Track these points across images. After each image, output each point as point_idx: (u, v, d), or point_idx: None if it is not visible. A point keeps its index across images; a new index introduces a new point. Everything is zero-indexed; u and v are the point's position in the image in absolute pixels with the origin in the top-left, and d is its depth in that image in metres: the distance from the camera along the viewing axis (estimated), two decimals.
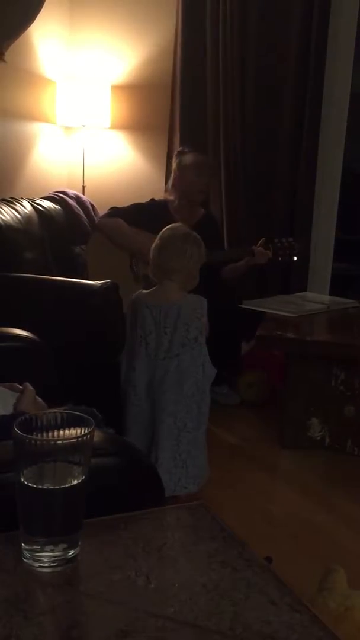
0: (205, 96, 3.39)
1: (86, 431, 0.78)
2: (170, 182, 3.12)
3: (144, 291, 2.21)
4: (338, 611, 1.42)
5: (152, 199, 3.16)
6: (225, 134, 3.34)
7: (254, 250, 2.97)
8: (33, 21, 2.82)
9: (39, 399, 1.36)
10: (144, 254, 2.82)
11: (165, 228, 2.19)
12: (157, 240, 2.17)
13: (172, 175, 3.11)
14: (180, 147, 3.17)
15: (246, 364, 3.12)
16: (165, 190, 3.18)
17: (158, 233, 2.21)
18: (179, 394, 2.11)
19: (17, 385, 1.38)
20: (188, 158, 3.04)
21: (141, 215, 2.96)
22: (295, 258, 3.06)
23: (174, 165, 3.10)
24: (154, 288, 2.18)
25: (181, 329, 2.11)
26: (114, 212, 3.05)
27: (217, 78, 3.32)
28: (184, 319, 2.12)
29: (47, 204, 3.19)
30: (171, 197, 3.08)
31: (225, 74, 3.29)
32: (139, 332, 2.13)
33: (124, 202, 3.13)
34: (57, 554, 0.77)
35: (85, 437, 0.77)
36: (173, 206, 3.04)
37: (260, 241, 3.00)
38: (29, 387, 1.35)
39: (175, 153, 3.15)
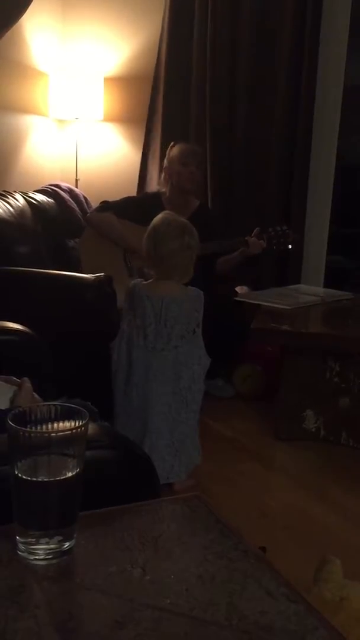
0: (192, 89, 3.37)
1: (80, 423, 0.78)
2: (162, 175, 3.12)
3: (143, 281, 2.20)
4: (334, 602, 1.42)
5: (145, 192, 3.15)
6: (217, 126, 3.33)
7: (248, 241, 2.96)
8: (23, 14, 2.81)
9: (36, 396, 1.35)
10: (136, 250, 2.81)
11: (158, 218, 2.17)
12: (150, 231, 2.15)
13: (163, 168, 3.10)
14: (172, 142, 3.17)
15: (241, 357, 3.11)
16: (158, 184, 3.17)
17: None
18: (176, 385, 2.12)
19: (14, 378, 1.38)
20: (175, 149, 3.04)
21: (133, 208, 2.95)
22: (290, 246, 3.05)
23: (165, 159, 3.09)
24: (152, 280, 2.17)
25: (182, 322, 2.12)
26: (105, 206, 3.03)
27: (206, 70, 3.30)
28: (185, 312, 2.12)
29: (40, 197, 3.17)
30: (163, 189, 3.07)
31: (215, 66, 3.28)
32: (138, 322, 2.13)
33: (117, 195, 3.12)
34: (52, 546, 0.77)
35: (79, 430, 0.77)
36: (165, 198, 3.03)
37: (254, 231, 2.99)
38: (27, 382, 1.35)
39: (168, 148, 3.14)
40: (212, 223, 3.13)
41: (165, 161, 3.07)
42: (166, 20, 3.37)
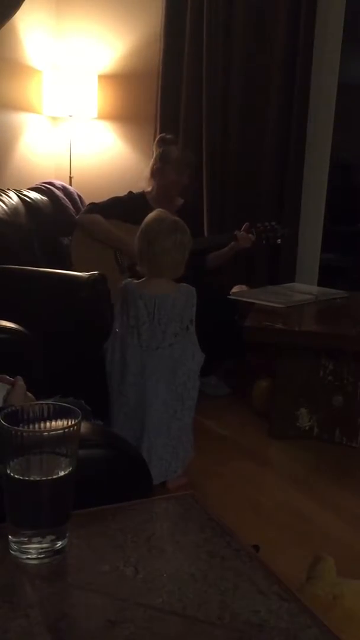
0: (187, 86, 3.36)
1: (73, 422, 0.78)
2: (149, 170, 3.07)
3: (135, 281, 2.20)
4: (326, 599, 1.43)
5: (130, 192, 3.14)
6: (210, 124, 3.32)
7: (237, 235, 2.97)
8: (17, 11, 2.80)
9: (29, 394, 1.35)
10: (125, 250, 2.81)
11: (150, 216, 2.17)
12: (143, 230, 2.15)
13: (152, 164, 3.04)
14: (162, 134, 3.12)
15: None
16: (143, 180, 3.14)
17: (138, 224, 2.19)
18: (171, 382, 2.13)
19: (7, 377, 1.37)
20: (171, 153, 2.99)
21: (120, 208, 2.95)
22: (279, 241, 3.06)
23: (155, 153, 3.04)
24: (145, 279, 2.17)
25: (175, 320, 2.12)
26: (92, 208, 3.03)
27: (201, 67, 3.29)
28: (178, 309, 2.12)
29: (34, 195, 3.16)
30: (149, 188, 3.06)
31: (209, 64, 3.27)
32: (132, 322, 2.13)
33: (111, 193, 3.11)
34: (44, 545, 0.77)
35: (72, 429, 0.77)
36: (151, 196, 3.03)
37: (244, 226, 3.00)
38: (20, 381, 1.34)
39: (157, 139, 3.09)
40: (196, 221, 3.13)
41: (157, 161, 3.00)
42: (163, 17, 3.36)
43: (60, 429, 0.77)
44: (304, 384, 2.65)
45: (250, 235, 2.98)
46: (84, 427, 1.03)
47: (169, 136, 3.10)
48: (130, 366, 2.14)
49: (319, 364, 2.62)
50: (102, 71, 3.58)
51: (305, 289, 3.13)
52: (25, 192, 3.14)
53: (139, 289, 2.14)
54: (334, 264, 4.59)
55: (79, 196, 3.42)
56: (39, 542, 0.76)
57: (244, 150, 3.36)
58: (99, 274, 2.44)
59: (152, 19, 3.45)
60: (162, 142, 3.05)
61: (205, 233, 3.31)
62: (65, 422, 0.78)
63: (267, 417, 2.76)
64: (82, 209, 3.22)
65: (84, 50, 3.59)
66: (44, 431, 0.78)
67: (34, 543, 0.76)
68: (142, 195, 3.06)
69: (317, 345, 2.62)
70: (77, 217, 3.15)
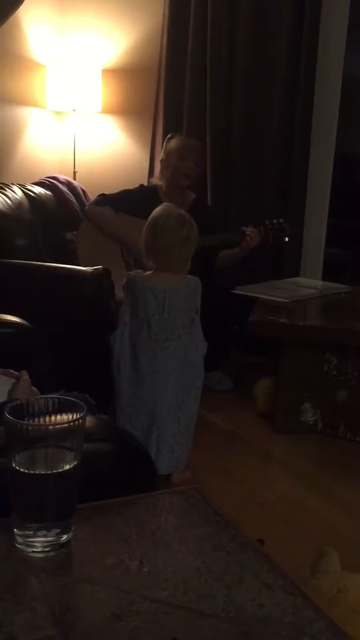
0: (191, 80, 3.35)
1: (78, 416, 0.78)
2: (159, 169, 3.10)
3: (143, 273, 2.20)
4: (331, 593, 1.43)
5: (142, 185, 3.14)
6: (214, 118, 3.32)
7: (245, 232, 2.95)
8: (20, 5, 2.80)
9: (34, 388, 1.35)
10: (133, 244, 2.80)
11: (158, 210, 2.17)
12: (150, 223, 2.15)
13: (160, 160, 3.09)
14: (170, 134, 3.15)
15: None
16: (155, 177, 3.16)
17: (147, 218, 2.19)
18: (180, 373, 2.13)
19: (12, 371, 1.38)
20: (172, 143, 3.02)
21: (130, 202, 2.93)
22: (286, 239, 3.05)
23: (162, 151, 3.08)
24: (152, 272, 2.17)
25: (185, 312, 2.12)
26: (102, 199, 3.01)
27: (204, 61, 3.28)
28: (187, 301, 2.13)
29: (38, 189, 3.16)
30: (160, 182, 3.06)
31: (213, 57, 3.26)
32: (141, 314, 2.13)
33: (115, 188, 3.11)
34: (49, 539, 0.77)
35: (77, 422, 0.77)
36: (162, 191, 3.02)
37: (250, 226, 2.99)
38: (25, 375, 1.35)
39: (165, 140, 3.12)
40: (208, 216, 3.12)
41: (162, 154, 3.06)
42: (166, 11, 3.35)
43: (65, 423, 0.77)
44: (308, 379, 2.65)
45: (256, 231, 2.96)
46: (89, 421, 1.03)
47: (173, 135, 3.12)
48: (139, 358, 2.14)
49: (323, 358, 2.62)
50: (105, 65, 3.57)
51: (309, 283, 3.12)
52: (29, 187, 3.13)
53: (147, 281, 2.14)
54: (338, 259, 4.57)
55: (83, 191, 3.42)
56: (44, 536, 0.77)
57: (248, 145, 3.35)
58: (103, 268, 2.44)
59: (156, 13, 3.43)
60: (167, 140, 3.08)
61: None
62: (70, 416, 0.78)
63: (270, 414, 2.75)
64: (91, 199, 3.20)
65: (87, 45, 3.58)
66: (49, 425, 0.78)
67: (39, 536, 0.77)
68: (154, 188, 3.05)
69: (321, 339, 2.61)
70: (85, 207, 3.14)
